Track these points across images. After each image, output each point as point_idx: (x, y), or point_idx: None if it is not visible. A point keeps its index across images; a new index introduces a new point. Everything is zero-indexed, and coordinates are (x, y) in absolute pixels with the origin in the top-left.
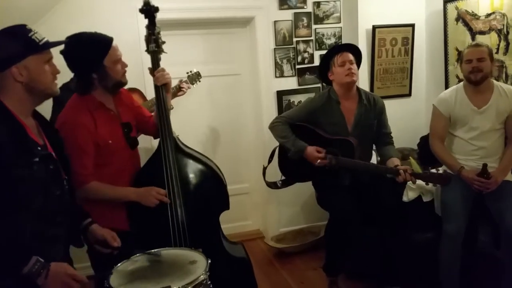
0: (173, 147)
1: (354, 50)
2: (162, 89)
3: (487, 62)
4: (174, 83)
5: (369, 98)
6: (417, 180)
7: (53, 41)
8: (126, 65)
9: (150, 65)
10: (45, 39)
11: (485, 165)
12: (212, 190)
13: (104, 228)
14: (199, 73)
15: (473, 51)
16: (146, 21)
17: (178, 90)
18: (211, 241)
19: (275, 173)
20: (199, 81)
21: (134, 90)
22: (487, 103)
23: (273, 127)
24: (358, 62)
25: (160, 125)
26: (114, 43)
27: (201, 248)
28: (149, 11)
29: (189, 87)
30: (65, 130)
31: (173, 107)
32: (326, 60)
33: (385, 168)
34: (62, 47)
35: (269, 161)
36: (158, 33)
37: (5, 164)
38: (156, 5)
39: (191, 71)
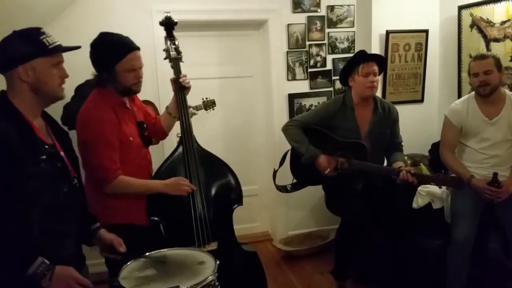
0: (194, 143)
1: (379, 59)
2: (184, 92)
3: (494, 74)
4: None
5: (384, 107)
6: (426, 186)
7: (65, 46)
8: (140, 76)
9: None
10: (56, 43)
11: (495, 174)
12: (229, 184)
13: (110, 233)
14: (214, 101)
15: (479, 64)
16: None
17: None
18: (228, 235)
19: (285, 177)
20: (213, 109)
21: (147, 102)
22: (499, 114)
23: (286, 130)
24: (380, 70)
25: (181, 122)
26: (136, 53)
27: (216, 241)
28: (170, 24)
29: (194, 113)
30: (91, 126)
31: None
32: (350, 64)
33: (388, 169)
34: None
35: (280, 165)
36: (178, 43)
37: (15, 161)
38: (175, 19)
39: (206, 98)
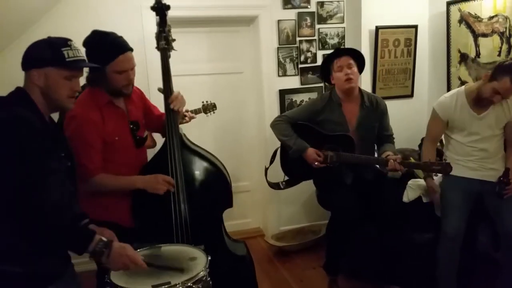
0: (179, 143)
1: (356, 53)
2: (169, 83)
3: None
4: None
5: (372, 100)
6: (416, 180)
7: (86, 63)
8: (131, 78)
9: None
10: (77, 58)
11: (507, 169)
12: (216, 188)
13: (104, 227)
14: (214, 104)
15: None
16: (154, 19)
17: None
18: (213, 238)
19: (276, 174)
20: (213, 112)
21: None
22: (487, 110)
23: (274, 125)
24: (362, 64)
25: (167, 121)
26: (127, 55)
27: (203, 245)
28: (160, 8)
29: (193, 117)
30: (74, 124)
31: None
32: (326, 64)
33: (375, 158)
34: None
35: (271, 162)
36: (169, 30)
37: (43, 151)
38: (167, 3)
39: (207, 101)
